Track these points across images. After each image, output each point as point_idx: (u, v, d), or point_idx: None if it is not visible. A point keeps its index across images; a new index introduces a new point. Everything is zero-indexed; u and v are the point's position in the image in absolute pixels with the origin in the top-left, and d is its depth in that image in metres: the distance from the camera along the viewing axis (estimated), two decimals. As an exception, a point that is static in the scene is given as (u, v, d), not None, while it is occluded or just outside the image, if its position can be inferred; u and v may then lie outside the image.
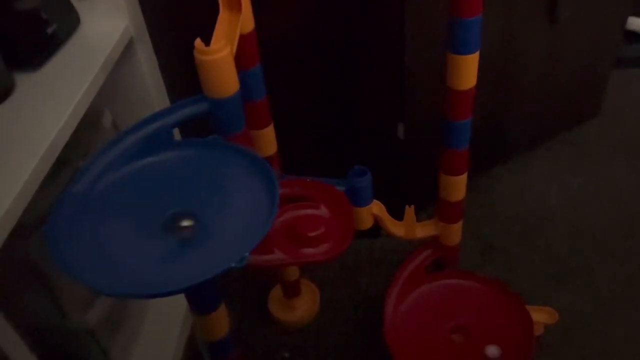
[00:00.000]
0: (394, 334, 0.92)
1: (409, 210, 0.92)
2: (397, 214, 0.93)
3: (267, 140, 0.83)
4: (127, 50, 0.85)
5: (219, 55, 0.58)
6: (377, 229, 0.91)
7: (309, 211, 0.73)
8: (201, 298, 0.62)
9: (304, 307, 1.06)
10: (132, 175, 0.62)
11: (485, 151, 1.28)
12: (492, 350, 0.89)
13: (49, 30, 0.77)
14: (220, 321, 0.65)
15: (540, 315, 0.98)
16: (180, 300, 0.94)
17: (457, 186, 0.90)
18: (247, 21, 0.72)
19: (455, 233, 0.97)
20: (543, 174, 1.30)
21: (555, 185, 1.27)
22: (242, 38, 0.70)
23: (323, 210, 0.73)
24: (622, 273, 1.06)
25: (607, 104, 1.44)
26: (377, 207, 0.89)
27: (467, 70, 0.76)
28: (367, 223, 0.89)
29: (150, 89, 0.91)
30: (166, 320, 1.01)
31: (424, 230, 0.96)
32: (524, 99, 1.26)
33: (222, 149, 0.60)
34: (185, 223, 0.55)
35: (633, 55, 1.58)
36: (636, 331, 0.97)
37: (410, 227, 0.93)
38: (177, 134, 0.97)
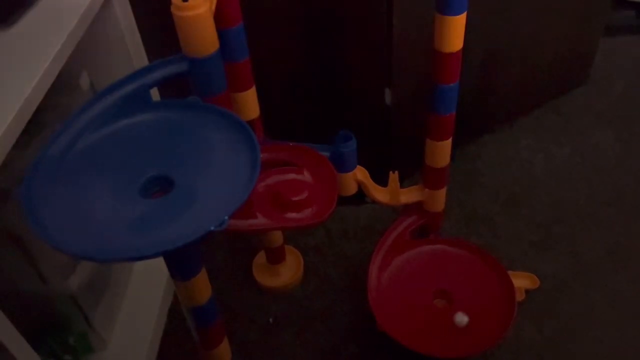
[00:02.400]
0: (377, 300, 0.93)
1: (393, 177, 0.92)
2: (382, 181, 0.93)
3: (249, 103, 0.81)
4: (105, 7, 0.81)
5: (197, 12, 0.56)
6: (361, 195, 0.91)
7: (292, 176, 0.71)
8: (181, 263, 0.61)
9: (288, 273, 1.06)
10: (109, 137, 0.60)
11: (472, 119, 1.27)
12: (460, 317, 0.90)
13: (21, -15, 0.73)
14: (201, 287, 0.64)
15: (522, 281, 0.99)
16: (163, 265, 0.94)
17: (442, 152, 0.89)
18: (228, -22, 0.69)
19: (439, 199, 0.97)
20: (529, 143, 1.30)
21: (540, 154, 1.26)
22: (223, -5, 0.67)
23: (306, 175, 0.72)
24: (605, 241, 1.07)
25: (595, 73, 1.43)
26: (361, 173, 0.88)
27: (454, 32, 0.74)
28: (351, 189, 0.88)
29: (129, 49, 0.88)
30: (150, 286, 1.01)
31: (408, 196, 0.96)
32: (512, 67, 1.25)
33: (202, 111, 0.59)
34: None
35: (622, 23, 1.57)
36: (617, 298, 0.98)
37: (394, 194, 0.93)
38: (158, 97, 0.95)
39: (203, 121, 0.58)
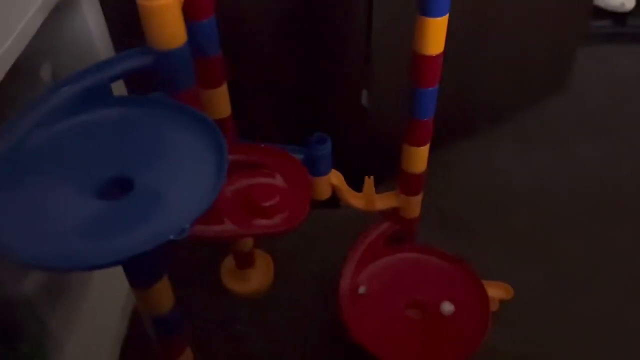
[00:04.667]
0: (349, 308, 0.90)
1: (369, 182, 0.89)
2: (357, 186, 0.90)
3: (220, 101, 0.77)
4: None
5: (163, 2, 0.52)
6: (336, 199, 0.88)
7: (263, 179, 0.68)
8: (139, 271, 0.57)
9: (257, 278, 1.02)
10: (65, 133, 0.56)
11: (450, 125, 1.25)
12: (446, 306, 0.88)
13: (-25, -33, 0.68)
14: (162, 296, 0.60)
15: (497, 291, 0.97)
16: (125, 269, 0.89)
17: (419, 157, 0.87)
18: (200, -32, 0.65)
19: (415, 206, 0.94)
20: (507, 150, 1.28)
21: (518, 161, 1.25)
22: (194, -14, 0.63)
23: (278, 179, 0.68)
24: (582, 250, 1.06)
25: (574, 81, 1.43)
26: (335, 177, 0.85)
27: (436, 34, 0.72)
28: (325, 193, 0.85)
29: (94, 41, 0.84)
30: (110, 291, 0.96)
31: (384, 202, 0.93)
32: (491, 72, 1.23)
33: (166, 108, 0.55)
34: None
35: (601, 32, 1.57)
36: (592, 308, 0.97)
37: (369, 199, 0.90)
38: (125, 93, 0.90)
39: (168, 119, 0.54)
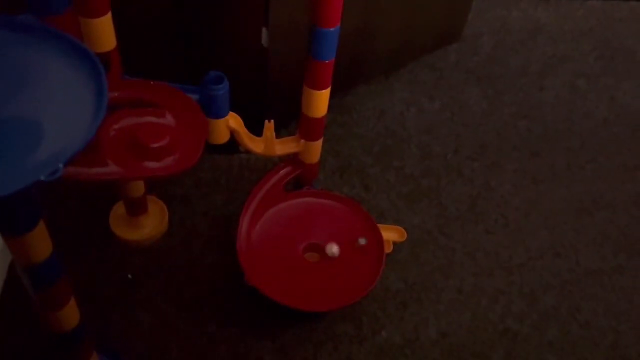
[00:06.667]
0: (247, 253, 0.89)
1: (269, 126, 0.86)
2: (256, 130, 0.87)
3: (103, 32, 0.69)
4: None
5: None
6: (235, 144, 0.84)
7: (152, 119, 0.63)
8: (8, 216, 0.51)
9: (150, 225, 0.98)
10: None
11: (348, 70, 1.25)
12: (332, 248, 0.90)
13: None
14: (38, 243, 0.54)
15: (391, 234, 1.01)
16: None
17: (320, 101, 0.86)
18: None
19: (315, 151, 0.93)
20: (403, 96, 1.31)
21: (413, 108, 1.28)
22: None
23: (169, 119, 0.64)
24: (467, 193, 1.12)
25: (468, 30, 1.47)
26: (234, 120, 0.81)
27: (338, -29, 0.69)
28: (222, 137, 0.81)
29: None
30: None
31: (284, 147, 0.91)
32: (388, 19, 1.23)
33: (35, 32, 0.48)
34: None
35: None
36: (475, 247, 1.04)
37: (269, 144, 0.88)
38: None
39: (36, 45, 0.48)
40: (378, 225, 0.95)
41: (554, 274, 1.02)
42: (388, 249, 0.99)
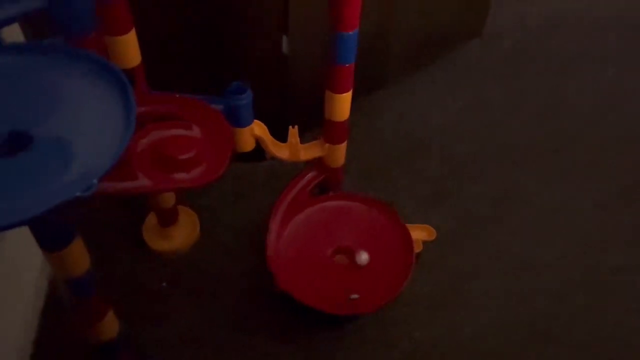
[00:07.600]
0: (276, 258, 0.90)
1: (293, 132, 0.87)
2: (281, 136, 0.88)
3: (128, 49, 0.71)
4: None
5: None
6: (260, 151, 0.86)
7: (179, 131, 0.64)
8: (48, 232, 0.53)
9: (181, 235, 1.00)
10: (-52, 86, 0.50)
11: (369, 73, 1.25)
12: (361, 257, 0.90)
13: None
14: (76, 257, 0.56)
15: (420, 233, 1.00)
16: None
17: (342, 105, 0.86)
18: None
19: (340, 154, 0.94)
20: (424, 98, 1.30)
21: (434, 109, 1.27)
22: None
23: (195, 131, 0.65)
24: (490, 195, 1.11)
25: (489, 25, 1.45)
26: (258, 128, 0.83)
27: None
28: (248, 145, 0.83)
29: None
30: (25, 254, 0.90)
31: (308, 151, 0.92)
32: (406, 17, 1.23)
33: (64, 55, 0.50)
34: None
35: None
36: (500, 248, 1.02)
37: (294, 149, 0.89)
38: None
39: (67, 68, 0.50)
40: (407, 225, 0.95)
41: (582, 273, 0.99)
42: (418, 248, 0.98)
